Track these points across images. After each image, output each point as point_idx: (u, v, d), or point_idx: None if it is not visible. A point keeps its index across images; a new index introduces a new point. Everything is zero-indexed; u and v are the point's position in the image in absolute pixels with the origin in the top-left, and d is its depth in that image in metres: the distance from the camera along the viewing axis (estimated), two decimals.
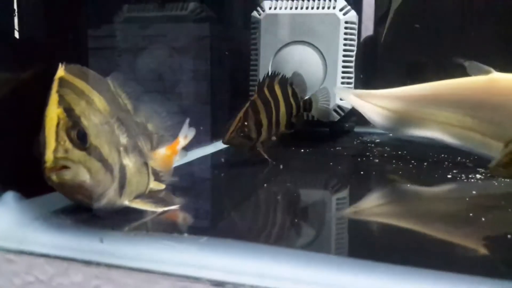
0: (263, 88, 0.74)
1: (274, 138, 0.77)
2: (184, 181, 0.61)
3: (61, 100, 0.41)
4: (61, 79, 0.42)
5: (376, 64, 1.17)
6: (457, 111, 0.74)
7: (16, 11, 0.63)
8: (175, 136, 0.60)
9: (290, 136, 0.89)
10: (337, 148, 0.90)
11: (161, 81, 0.96)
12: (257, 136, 0.71)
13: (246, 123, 0.69)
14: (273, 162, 0.73)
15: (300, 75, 0.81)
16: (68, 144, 0.39)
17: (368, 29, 1.19)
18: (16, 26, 0.63)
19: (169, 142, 0.59)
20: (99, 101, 0.44)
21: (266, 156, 0.73)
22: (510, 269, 0.36)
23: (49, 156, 0.38)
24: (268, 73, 0.77)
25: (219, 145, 0.89)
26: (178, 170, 0.66)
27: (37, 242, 0.40)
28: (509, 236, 0.43)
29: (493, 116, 0.70)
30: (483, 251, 0.41)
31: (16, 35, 0.64)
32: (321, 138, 0.98)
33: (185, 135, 0.62)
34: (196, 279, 0.35)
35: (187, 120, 0.62)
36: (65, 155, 0.39)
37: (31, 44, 0.63)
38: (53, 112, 0.40)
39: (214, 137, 0.90)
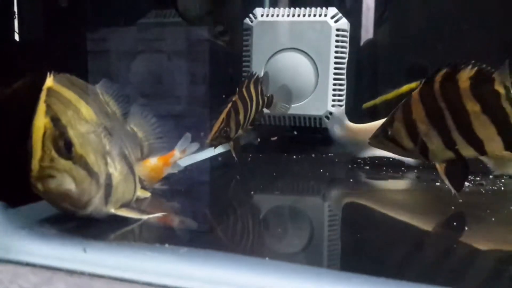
0: (242, 89, 0.77)
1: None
2: (175, 187, 0.62)
3: (48, 110, 0.42)
4: (49, 89, 0.43)
5: (376, 67, 1.17)
6: None
7: (16, 13, 0.64)
8: (170, 145, 0.60)
9: (282, 142, 0.90)
10: (329, 154, 0.91)
11: (158, 85, 0.97)
12: (235, 135, 0.74)
13: (228, 124, 0.71)
14: (237, 161, 0.76)
15: (267, 73, 0.83)
16: (54, 154, 0.40)
17: (368, 32, 1.19)
18: (16, 29, 0.64)
19: (163, 151, 0.59)
20: (86, 110, 0.45)
21: (234, 154, 0.76)
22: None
23: (35, 165, 0.39)
24: (246, 75, 0.80)
25: (216, 149, 0.90)
26: (173, 174, 0.67)
27: (22, 251, 0.40)
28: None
29: None
30: (458, 263, 0.41)
31: (16, 37, 0.64)
32: (314, 144, 0.98)
33: (183, 149, 0.61)
34: None
35: (188, 135, 0.61)
36: (51, 164, 0.40)
37: (30, 47, 0.64)
38: (40, 122, 0.41)
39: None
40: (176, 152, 0.60)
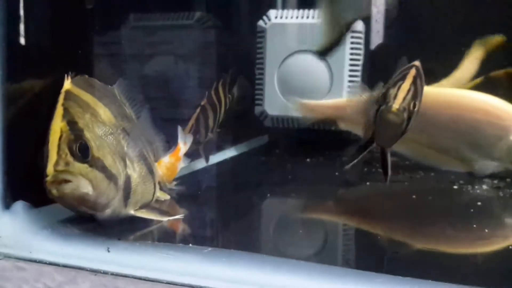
0: (211, 92, 0.77)
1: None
2: (192, 190, 0.62)
3: (66, 114, 0.42)
4: (68, 92, 0.43)
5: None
6: None
7: (22, 17, 0.65)
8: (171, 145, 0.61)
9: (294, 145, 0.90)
10: (343, 157, 0.90)
11: (167, 87, 0.97)
12: (204, 139, 0.74)
13: (198, 130, 0.71)
14: (207, 162, 0.76)
15: (228, 73, 0.85)
16: (69, 157, 0.40)
17: (379, 35, 1.19)
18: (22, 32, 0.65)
19: (167, 152, 0.60)
20: (104, 112, 0.45)
21: (203, 156, 0.75)
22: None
23: (50, 169, 0.39)
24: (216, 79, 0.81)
25: (227, 153, 0.91)
26: (185, 178, 0.68)
27: (46, 251, 0.41)
28: (510, 247, 0.44)
29: (428, 127, 0.75)
30: (484, 261, 0.41)
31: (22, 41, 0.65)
32: (327, 147, 0.98)
33: (184, 141, 0.63)
34: None
35: (180, 128, 0.63)
36: (66, 168, 0.40)
37: (38, 50, 0.64)
38: (57, 126, 0.41)
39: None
40: (181, 145, 0.62)
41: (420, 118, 0.74)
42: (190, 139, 0.65)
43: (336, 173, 0.77)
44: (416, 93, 0.56)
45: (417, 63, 0.61)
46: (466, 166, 0.75)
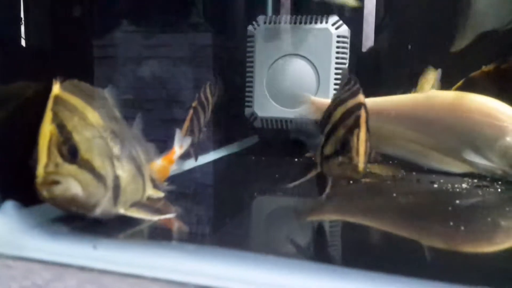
0: (200, 94, 0.81)
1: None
2: (182, 188, 0.64)
3: (55, 117, 0.43)
4: (56, 97, 0.45)
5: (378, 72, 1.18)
6: (399, 124, 0.79)
7: (22, 19, 0.65)
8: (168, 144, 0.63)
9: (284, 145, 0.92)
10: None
11: (160, 89, 0.99)
12: (197, 139, 0.76)
13: (192, 131, 0.74)
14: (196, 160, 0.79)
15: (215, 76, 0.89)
16: (59, 159, 0.41)
17: (369, 38, 1.21)
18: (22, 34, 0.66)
19: (163, 154, 0.61)
20: (92, 115, 0.46)
21: (193, 155, 0.77)
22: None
23: (40, 171, 0.41)
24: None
25: (220, 152, 0.92)
26: (179, 177, 0.69)
27: (35, 249, 0.42)
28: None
29: (430, 129, 0.77)
30: (464, 261, 0.43)
31: (23, 43, 0.66)
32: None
33: (180, 145, 0.64)
34: (184, 284, 0.37)
35: (178, 130, 0.64)
36: (55, 169, 0.41)
37: (37, 52, 0.65)
38: (46, 129, 0.42)
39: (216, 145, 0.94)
40: (176, 149, 0.63)
41: (419, 119, 0.77)
42: (187, 142, 0.65)
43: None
44: (369, 138, 0.54)
45: (362, 99, 0.58)
46: (463, 167, 0.76)
